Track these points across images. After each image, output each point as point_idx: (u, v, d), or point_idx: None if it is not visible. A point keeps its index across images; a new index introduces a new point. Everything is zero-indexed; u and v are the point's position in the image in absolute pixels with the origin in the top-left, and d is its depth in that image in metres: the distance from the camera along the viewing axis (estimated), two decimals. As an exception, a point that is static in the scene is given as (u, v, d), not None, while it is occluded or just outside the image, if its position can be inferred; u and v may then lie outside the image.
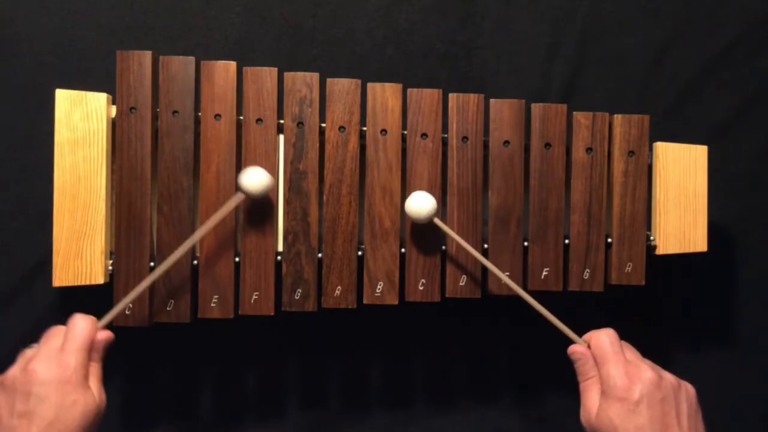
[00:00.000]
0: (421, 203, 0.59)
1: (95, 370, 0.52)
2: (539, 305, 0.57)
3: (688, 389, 0.51)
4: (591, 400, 0.51)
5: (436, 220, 0.60)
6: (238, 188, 0.58)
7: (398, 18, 0.74)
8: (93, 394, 0.50)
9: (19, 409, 0.47)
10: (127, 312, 0.60)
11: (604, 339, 0.52)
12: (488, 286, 0.64)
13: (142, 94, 0.60)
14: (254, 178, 0.58)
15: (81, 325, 0.52)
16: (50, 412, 0.47)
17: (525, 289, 0.64)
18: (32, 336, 0.71)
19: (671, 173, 0.65)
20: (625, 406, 0.48)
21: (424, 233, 0.63)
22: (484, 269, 0.63)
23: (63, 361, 0.49)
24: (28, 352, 0.51)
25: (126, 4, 0.71)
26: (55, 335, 0.52)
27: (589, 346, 0.53)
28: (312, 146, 0.62)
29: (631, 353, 0.52)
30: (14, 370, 0.49)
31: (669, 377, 0.50)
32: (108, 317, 0.55)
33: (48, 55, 0.70)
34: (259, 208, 0.62)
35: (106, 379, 0.72)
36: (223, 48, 0.72)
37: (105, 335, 0.53)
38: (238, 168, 0.61)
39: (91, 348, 0.52)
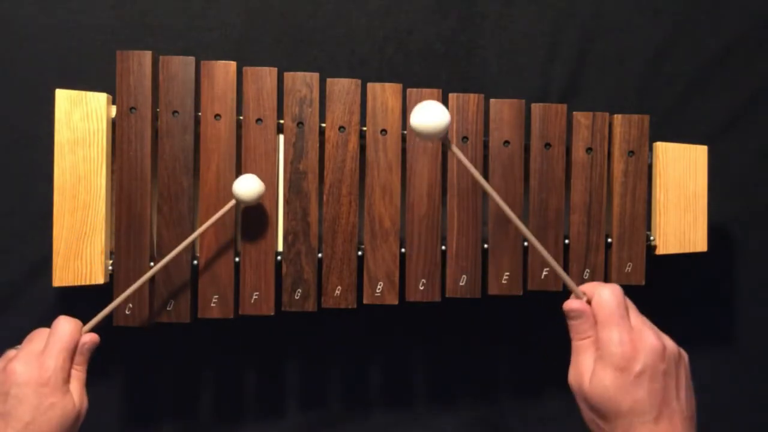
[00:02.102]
0: (432, 116, 0.49)
1: (78, 374, 0.51)
2: (536, 241, 0.51)
3: (684, 357, 0.47)
4: (584, 364, 0.46)
5: (454, 148, 0.51)
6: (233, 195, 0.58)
7: (398, 18, 0.74)
8: (72, 398, 0.50)
9: None
10: (127, 312, 0.60)
11: (609, 298, 0.46)
12: (488, 286, 0.64)
13: (142, 94, 0.60)
14: (246, 186, 0.57)
15: (64, 327, 0.51)
16: (27, 414, 0.47)
17: (525, 289, 0.64)
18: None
19: (671, 173, 0.65)
20: (624, 377, 0.44)
21: (424, 233, 0.63)
22: (485, 269, 0.63)
23: (43, 363, 0.49)
24: (11, 353, 0.51)
25: (126, 4, 0.71)
26: (37, 337, 0.51)
27: (588, 302, 0.48)
28: (312, 146, 0.62)
29: (635, 315, 0.47)
30: None
31: (671, 345, 0.46)
32: (95, 320, 0.54)
33: (48, 55, 0.70)
34: (259, 208, 0.62)
35: (106, 378, 0.72)
36: (223, 48, 0.72)
37: (89, 338, 0.52)
38: (238, 168, 0.61)
39: (74, 351, 0.51)
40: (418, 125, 0.49)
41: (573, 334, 0.48)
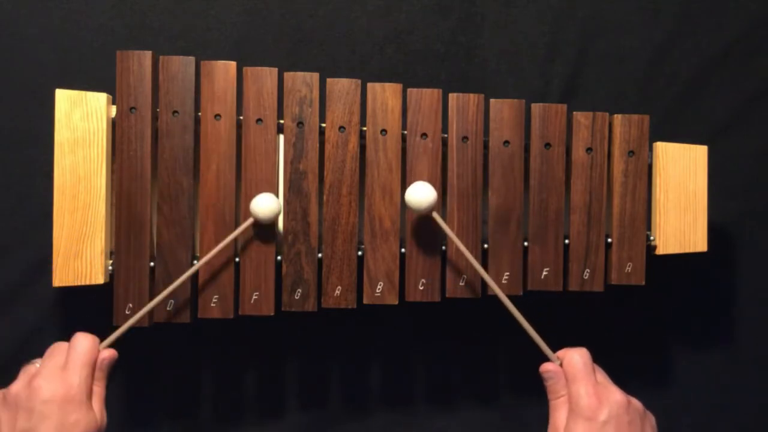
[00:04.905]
0: (421, 194, 0.58)
1: (98, 389, 0.52)
2: (520, 315, 0.56)
3: (651, 418, 0.51)
4: (559, 419, 0.50)
5: (435, 215, 0.59)
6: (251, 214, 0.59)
7: (398, 18, 0.74)
8: (95, 414, 0.50)
9: (21, 426, 0.47)
10: (127, 312, 0.60)
11: (577, 358, 0.52)
12: (488, 286, 0.63)
13: (142, 94, 0.60)
14: (265, 205, 0.59)
15: (83, 343, 0.51)
16: (51, 430, 0.47)
17: (525, 289, 0.64)
18: (31, 336, 0.71)
19: (671, 173, 0.65)
20: (591, 426, 0.48)
21: (424, 233, 0.63)
22: (485, 269, 0.63)
23: (66, 378, 0.49)
24: (31, 368, 0.51)
25: (126, 4, 0.71)
26: (57, 352, 0.52)
27: (561, 365, 0.53)
28: (312, 146, 0.62)
29: (601, 376, 0.52)
30: (17, 386, 0.49)
31: (636, 403, 0.50)
32: (113, 337, 0.55)
33: (48, 55, 0.70)
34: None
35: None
36: (223, 48, 0.72)
37: (108, 354, 0.53)
38: (238, 168, 0.61)
39: (94, 367, 0.51)
40: (412, 201, 0.58)
41: (549, 394, 0.53)
